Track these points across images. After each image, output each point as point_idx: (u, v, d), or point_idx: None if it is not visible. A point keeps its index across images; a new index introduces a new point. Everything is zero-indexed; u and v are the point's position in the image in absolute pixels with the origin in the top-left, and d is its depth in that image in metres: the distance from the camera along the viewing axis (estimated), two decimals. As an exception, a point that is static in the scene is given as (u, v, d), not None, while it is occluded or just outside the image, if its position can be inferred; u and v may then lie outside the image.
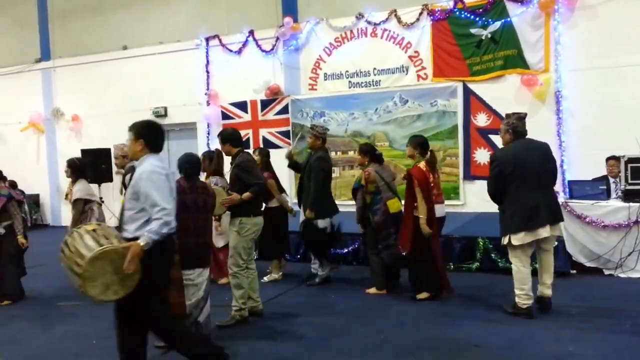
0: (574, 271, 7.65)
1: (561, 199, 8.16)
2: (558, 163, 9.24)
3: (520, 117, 6.03)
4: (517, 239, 5.72)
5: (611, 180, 8.21)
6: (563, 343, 5.07)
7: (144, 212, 4.11)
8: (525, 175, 5.73)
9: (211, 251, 5.97)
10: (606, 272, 7.57)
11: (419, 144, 6.76)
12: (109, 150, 13.08)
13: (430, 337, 5.37)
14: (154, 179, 4.11)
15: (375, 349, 5.12)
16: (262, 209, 6.45)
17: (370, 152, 7.25)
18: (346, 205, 8.56)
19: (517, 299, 5.87)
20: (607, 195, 7.87)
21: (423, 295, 6.63)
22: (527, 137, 6.05)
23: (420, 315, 6.07)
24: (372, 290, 7.07)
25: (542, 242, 5.88)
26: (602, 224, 7.50)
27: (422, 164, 6.59)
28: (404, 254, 6.56)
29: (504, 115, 9.42)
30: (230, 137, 6.15)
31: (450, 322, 5.78)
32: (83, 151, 12.96)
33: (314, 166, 7.36)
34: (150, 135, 4.41)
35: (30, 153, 14.86)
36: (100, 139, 13.29)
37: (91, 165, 12.81)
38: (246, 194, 5.80)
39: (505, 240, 5.85)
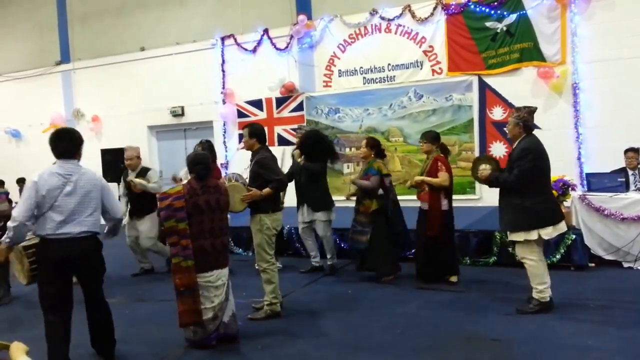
0: (593, 264, 7.59)
1: (579, 191, 8.12)
2: (575, 155, 9.39)
3: (531, 111, 5.85)
4: (546, 233, 5.61)
5: (630, 172, 8.15)
6: (582, 336, 5.04)
7: None
8: (548, 170, 5.75)
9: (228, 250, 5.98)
10: (625, 265, 7.51)
11: (437, 138, 7.08)
12: (128, 150, 13.23)
13: (447, 332, 5.36)
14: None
15: (393, 343, 5.13)
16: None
17: (376, 147, 7.48)
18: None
19: (540, 294, 5.74)
20: (625, 187, 7.81)
21: (454, 278, 7.00)
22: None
23: (437, 309, 6.06)
24: (390, 277, 7.29)
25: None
26: (621, 216, 7.44)
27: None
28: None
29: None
30: (258, 132, 6.18)
31: (468, 317, 5.76)
32: (103, 151, 13.20)
33: (306, 164, 7.59)
34: None
35: (52, 155, 15.01)
36: (120, 138, 13.45)
37: (111, 165, 13.02)
38: (266, 190, 5.86)
39: (524, 237, 5.64)
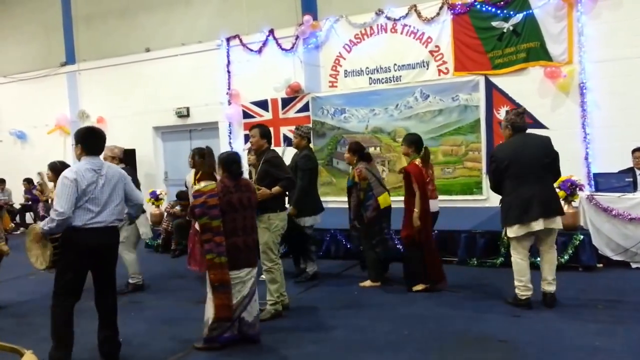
0: (600, 265, 7.56)
1: (587, 191, 8.08)
2: (582, 155, 9.30)
3: (519, 113, 6.21)
4: (512, 231, 5.88)
5: (637, 172, 8.11)
6: (589, 337, 5.02)
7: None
8: (520, 170, 5.85)
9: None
10: (633, 266, 7.47)
11: (413, 141, 7.04)
12: (133, 151, 13.27)
13: (455, 333, 5.34)
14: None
15: (400, 345, 5.11)
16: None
17: (359, 151, 7.42)
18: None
19: (516, 290, 6.00)
20: (633, 187, 7.78)
21: (419, 287, 6.83)
22: (527, 132, 6.18)
23: (444, 311, 6.04)
24: (367, 283, 7.26)
25: (542, 236, 5.94)
26: (629, 216, 7.41)
27: (417, 161, 6.85)
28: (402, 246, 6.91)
29: (527, 109, 9.43)
30: (268, 133, 6.39)
31: (475, 318, 5.74)
32: (108, 152, 13.11)
33: (300, 165, 7.49)
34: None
35: (57, 155, 14.92)
36: (125, 139, 13.42)
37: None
38: (276, 188, 5.96)
39: (504, 233, 6.13)
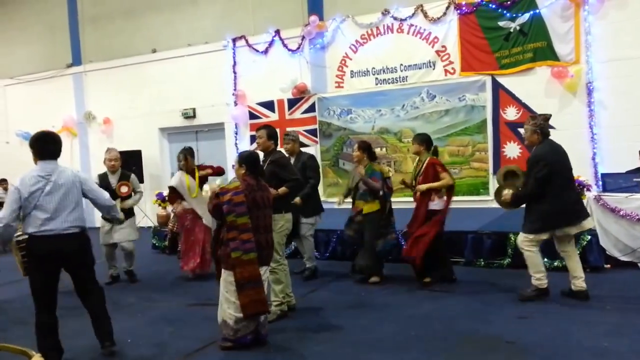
0: (608, 265, 7.50)
1: (594, 192, 8.04)
2: (590, 155, 9.33)
3: (547, 118, 6.22)
4: (562, 232, 6.05)
5: (645, 172, 8.03)
6: (598, 338, 4.98)
7: None
8: (565, 174, 6.06)
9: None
10: (642, 266, 7.43)
11: (425, 140, 7.20)
12: (139, 152, 13.29)
13: (462, 334, 5.31)
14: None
15: (407, 345, 5.09)
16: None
17: (368, 149, 7.46)
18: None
19: (536, 282, 6.16)
20: (641, 187, 7.71)
21: (429, 279, 7.05)
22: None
23: (450, 311, 6.01)
24: (376, 279, 7.34)
25: (566, 237, 6.15)
26: (637, 217, 7.35)
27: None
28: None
29: (533, 109, 9.42)
30: (275, 134, 6.41)
31: (482, 319, 5.71)
32: (115, 153, 13.12)
33: (310, 164, 7.61)
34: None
35: (64, 156, 14.83)
36: (132, 140, 13.51)
37: (123, 167, 13.01)
38: (282, 189, 6.00)
39: (535, 237, 6.07)
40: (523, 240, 6.16)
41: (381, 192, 7.18)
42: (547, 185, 5.91)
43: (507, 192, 6.30)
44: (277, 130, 6.58)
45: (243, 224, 5.06)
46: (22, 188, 4.69)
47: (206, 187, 7.99)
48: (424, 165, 7.02)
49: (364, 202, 7.26)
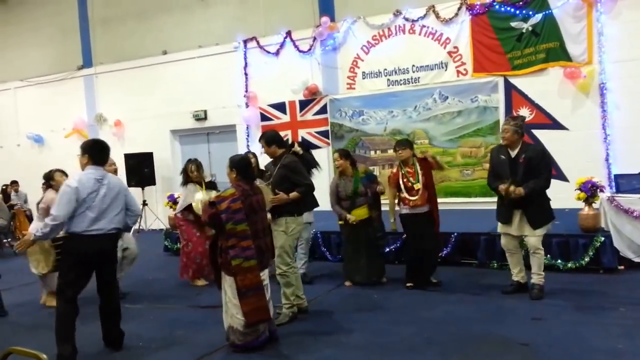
0: (622, 267, 7.42)
1: (608, 193, 7.98)
2: (603, 156, 9.31)
3: (524, 119, 6.63)
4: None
5: (659, 173, 7.97)
6: (612, 340, 4.95)
7: None
8: None
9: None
10: (656, 268, 7.36)
11: (412, 144, 7.27)
12: (151, 154, 13.34)
13: (476, 336, 5.29)
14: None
15: (421, 348, 5.07)
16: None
17: (350, 156, 7.54)
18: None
19: (543, 279, 6.34)
20: (656, 188, 7.65)
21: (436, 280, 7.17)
22: None
23: (464, 313, 5.99)
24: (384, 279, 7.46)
25: None
26: (651, 218, 7.30)
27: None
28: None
29: (546, 110, 9.40)
30: (275, 138, 6.21)
31: (496, 321, 5.68)
32: (126, 155, 13.22)
33: (309, 159, 7.36)
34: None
35: (75, 159, 15.11)
36: (143, 143, 13.56)
37: (134, 170, 13.10)
38: (293, 193, 5.91)
39: (547, 229, 6.35)
40: (537, 241, 6.23)
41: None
42: None
43: (516, 188, 6.11)
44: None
45: (242, 230, 5.03)
46: (82, 189, 4.96)
47: (198, 196, 7.83)
48: (418, 165, 6.96)
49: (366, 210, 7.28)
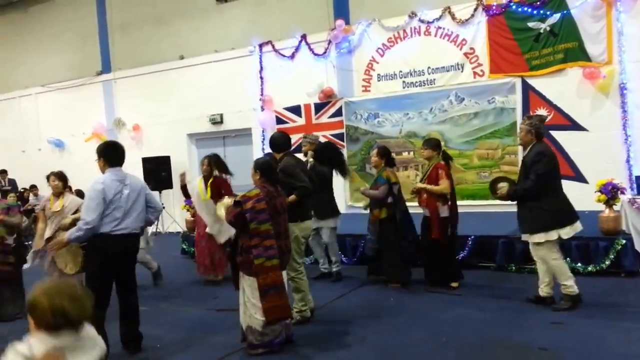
0: (644, 270, 7.31)
1: (629, 195, 7.84)
2: (624, 158, 9.16)
3: (542, 119, 6.24)
4: (565, 232, 5.86)
5: (682, 174, 7.83)
6: (633, 345, 4.86)
7: None
8: (559, 173, 6.10)
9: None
10: (678, 271, 7.21)
11: (436, 145, 7.18)
12: (168, 157, 13.40)
13: (493, 340, 5.22)
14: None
15: (437, 352, 5.02)
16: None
17: (387, 155, 7.50)
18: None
19: (569, 290, 5.93)
20: (677, 190, 7.51)
21: (455, 283, 7.05)
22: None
23: (481, 317, 5.91)
24: (397, 284, 7.34)
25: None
26: (673, 220, 7.15)
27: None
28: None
29: (565, 111, 9.27)
30: (275, 141, 6.36)
31: (513, 325, 5.61)
32: (144, 159, 13.30)
33: (320, 169, 7.50)
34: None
35: (95, 163, 15.24)
36: (160, 146, 13.62)
37: (152, 173, 13.15)
38: (291, 197, 5.89)
39: (544, 238, 5.88)
40: (541, 250, 5.98)
41: (390, 199, 7.18)
42: (547, 183, 5.85)
43: (503, 185, 6.26)
44: (292, 135, 6.53)
45: (266, 230, 5.10)
46: (108, 190, 5.05)
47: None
48: (431, 168, 7.04)
49: (377, 210, 7.29)
